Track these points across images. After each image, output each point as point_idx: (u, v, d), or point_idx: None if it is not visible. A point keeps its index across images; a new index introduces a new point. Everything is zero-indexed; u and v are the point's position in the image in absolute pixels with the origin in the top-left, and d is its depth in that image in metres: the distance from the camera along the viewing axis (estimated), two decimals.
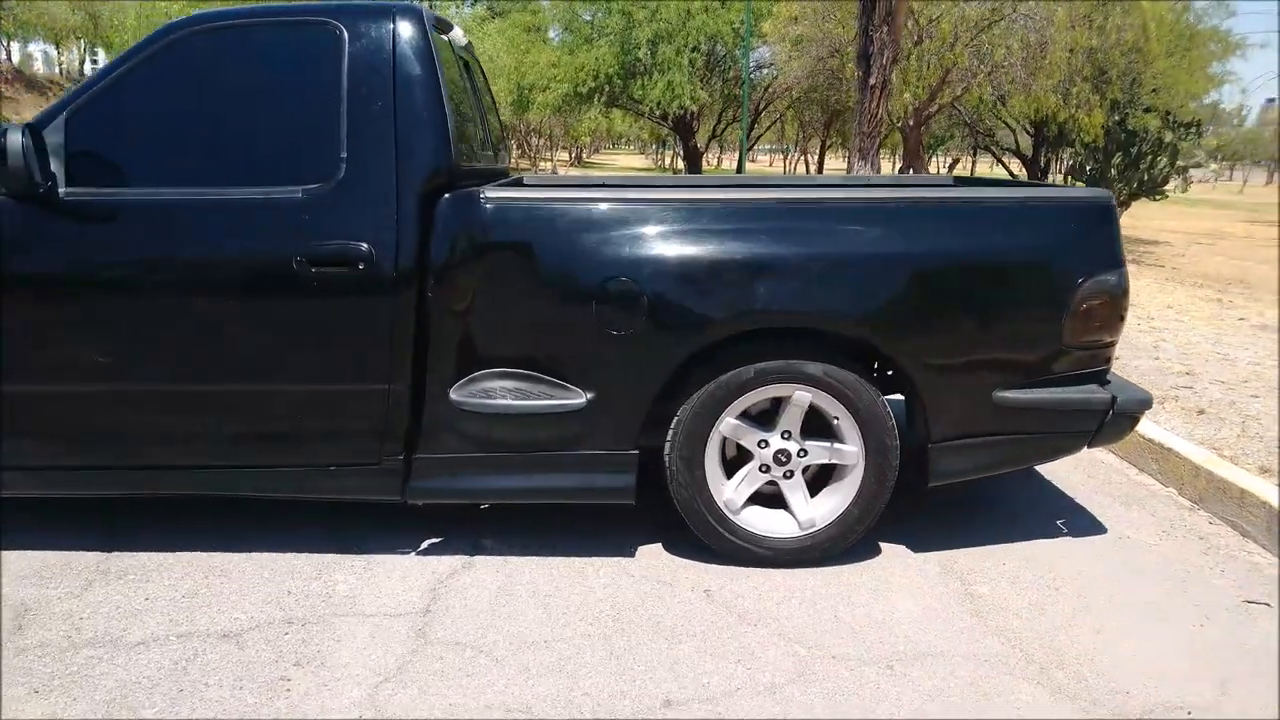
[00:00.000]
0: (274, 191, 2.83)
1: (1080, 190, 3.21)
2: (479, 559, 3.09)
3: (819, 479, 3.12)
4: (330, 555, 3.09)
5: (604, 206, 2.90)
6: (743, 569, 3.04)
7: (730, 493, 3.03)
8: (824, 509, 3.05)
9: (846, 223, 2.92)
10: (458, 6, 36.08)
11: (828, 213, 2.95)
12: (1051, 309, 2.96)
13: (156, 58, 2.87)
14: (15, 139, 2.60)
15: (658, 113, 24.63)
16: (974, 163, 35.78)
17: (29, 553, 3.05)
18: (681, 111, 23.85)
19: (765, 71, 28.41)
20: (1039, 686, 2.42)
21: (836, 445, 3.02)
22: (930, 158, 28.20)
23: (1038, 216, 3.01)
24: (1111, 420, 3.08)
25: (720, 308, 2.85)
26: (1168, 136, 18.28)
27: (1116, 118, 18.18)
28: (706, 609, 2.80)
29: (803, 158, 40.44)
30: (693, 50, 24.05)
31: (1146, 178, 18.34)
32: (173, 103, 2.89)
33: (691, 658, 2.53)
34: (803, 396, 2.95)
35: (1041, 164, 22.65)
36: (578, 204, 2.90)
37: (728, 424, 2.97)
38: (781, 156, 49.19)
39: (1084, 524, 3.47)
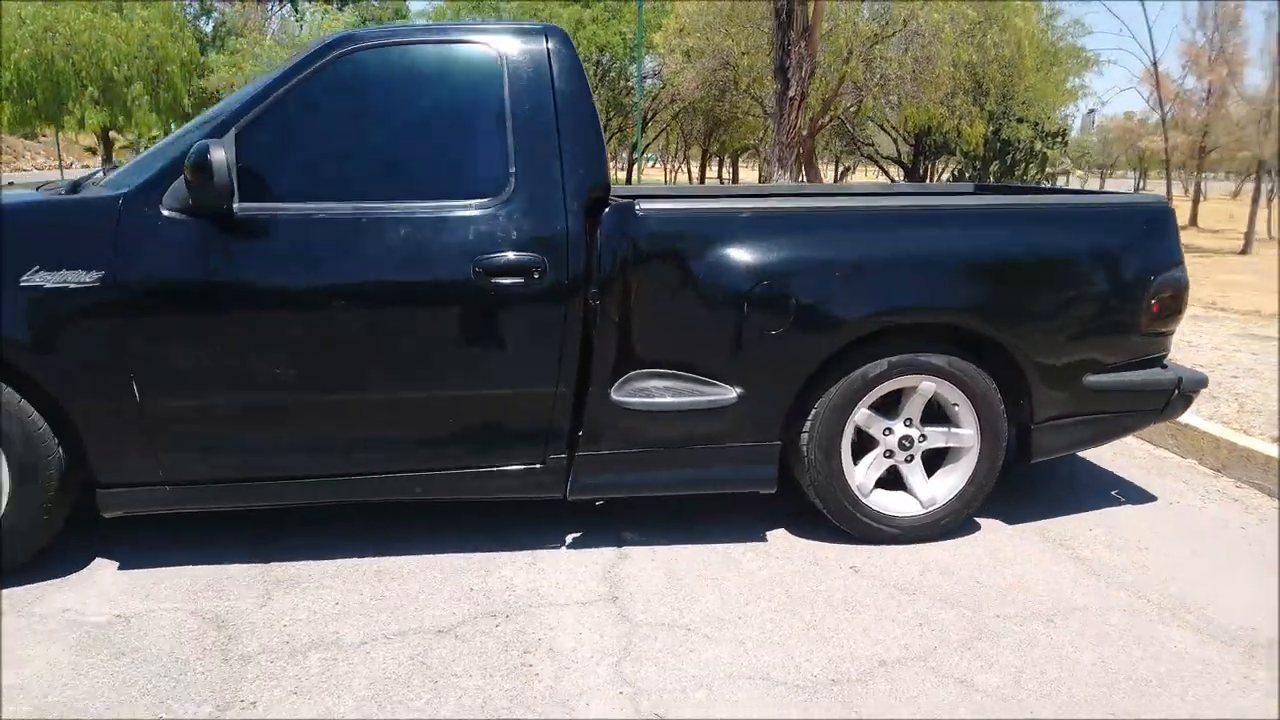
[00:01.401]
0: (447, 206, 2.94)
1: (1143, 196, 3.63)
2: (628, 549, 3.27)
3: (930, 460, 3.42)
4: (485, 554, 3.20)
5: (748, 215, 3.13)
6: (869, 547, 3.31)
7: (860, 477, 3.30)
8: (942, 488, 3.36)
9: (967, 227, 3.24)
10: (323, 12, 35.29)
11: (948, 218, 3.27)
12: (1132, 302, 3.36)
13: (323, 74, 2.93)
14: (220, 154, 2.63)
15: None
16: (847, 171, 37.37)
17: (182, 569, 3.06)
18: None
19: (650, 82, 28.97)
20: (1181, 629, 2.79)
21: (954, 430, 3.34)
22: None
23: (1119, 220, 3.41)
24: (1176, 398, 3.51)
25: (860, 307, 3.12)
26: (1037, 145, 19.75)
27: (992, 128, 19.48)
28: (862, 583, 3.06)
29: (683, 167, 41.28)
30: (584, 60, 24.41)
31: (1020, 183, 19.66)
32: (340, 118, 2.97)
33: (878, 624, 2.79)
34: (928, 386, 3.25)
35: (921, 172, 23.97)
36: (725, 213, 3.13)
37: (862, 414, 3.25)
38: (662, 166, 50.07)
39: (1135, 494, 3.90)
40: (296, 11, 41.29)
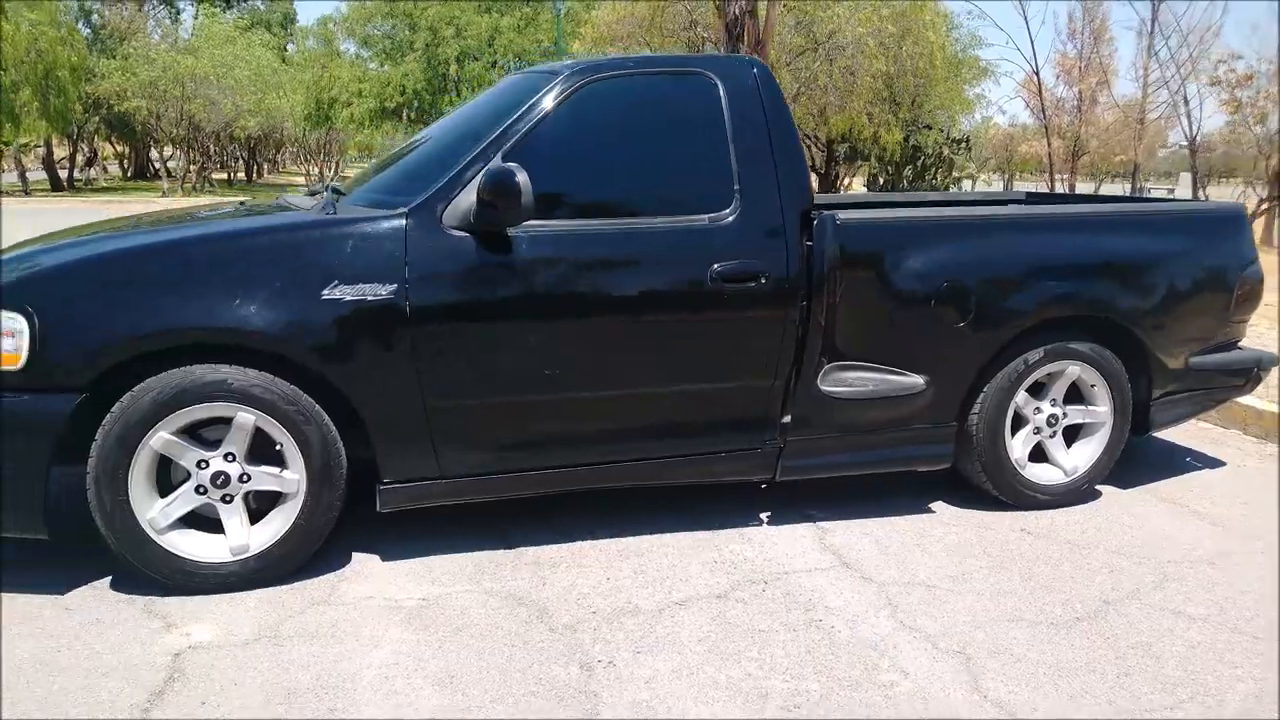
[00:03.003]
0: (686, 220, 3.28)
1: (1221, 203, 4.24)
2: (824, 524, 3.66)
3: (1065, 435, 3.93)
4: (698, 533, 3.54)
5: (933, 222, 3.58)
6: (1024, 513, 3.79)
7: (1019, 452, 3.79)
8: (1081, 458, 3.88)
9: (1105, 231, 3.77)
10: (209, 15, 34.32)
11: (1091, 223, 3.79)
12: (1225, 293, 3.95)
13: (571, 101, 3.23)
14: (524, 178, 2.90)
15: None
16: None
17: (440, 558, 3.29)
18: None
19: None
20: None
21: (1090, 407, 3.86)
22: None
23: (1212, 223, 4.00)
24: (1256, 375, 4.12)
25: (1028, 302, 3.60)
26: (945, 151, 20.95)
27: (903, 135, 20.55)
28: (1039, 542, 3.54)
29: None
30: (502, 68, 24.53)
31: (930, 187, 20.77)
32: (590, 140, 3.28)
33: (1079, 573, 3.27)
34: (1074, 370, 3.76)
35: (832, 178, 24.98)
36: (912, 221, 3.57)
37: (1021, 396, 3.73)
38: None
39: (1206, 460, 4.52)
40: (173, 10, 39.94)
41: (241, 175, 44.45)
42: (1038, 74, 20.68)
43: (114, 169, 43.68)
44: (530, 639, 2.76)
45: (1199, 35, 23.90)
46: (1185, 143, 21.59)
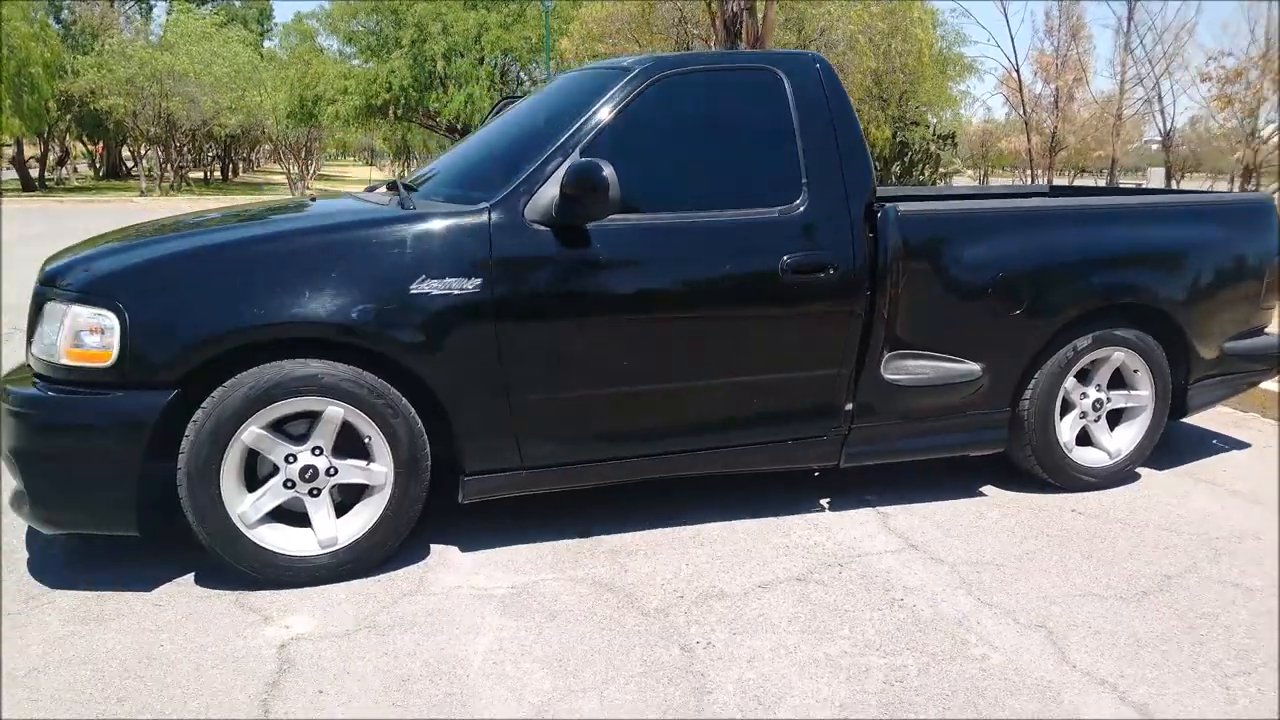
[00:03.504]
0: (757, 212, 3.36)
1: (1251, 194, 4.37)
2: (883, 509, 3.75)
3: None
4: (761, 520, 3.62)
5: (989, 214, 3.68)
6: (1072, 495, 3.91)
7: (1066, 436, 3.90)
8: (1123, 440, 4.00)
9: (1150, 222, 3.90)
10: (183, 10, 33.95)
11: (1137, 215, 3.92)
12: (1256, 281, 4.09)
13: (644, 96, 3.30)
14: (611, 171, 2.96)
15: (458, 126, 24.74)
16: None
17: (518, 548, 3.35)
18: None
19: (540, 85, 29.32)
20: None
21: (1133, 392, 3.98)
22: None
23: (1244, 214, 4.13)
24: None
25: (1079, 290, 3.72)
26: (932, 147, 21.19)
27: (891, 131, 20.77)
28: (1092, 522, 3.65)
29: None
30: (489, 65, 24.50)
31: (918, 182, 20.99)
32: (664, 135, 3.35)
33: (1135, 550, 3.38)
34: (1119, 356, 3.88)
35: None
36: (969, 212, 3.67)
37: (1070, 382, 3.84)
38: None
39: (1231, 442, 4.66)
40: (144, 6, 39.46)
41: (218, 174, 44.02)
42: (1018, 71, 20.90)
43: (84, 168, 43.15)
44: (625, 623, 2.83)
45: (1174, 33, 24.30)
46: (1160, 138, 21.98)
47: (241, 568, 2.96)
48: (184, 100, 27.34)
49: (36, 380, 2.91)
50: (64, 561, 3.21)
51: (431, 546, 3.34)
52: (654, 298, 3.25)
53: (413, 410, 3.05)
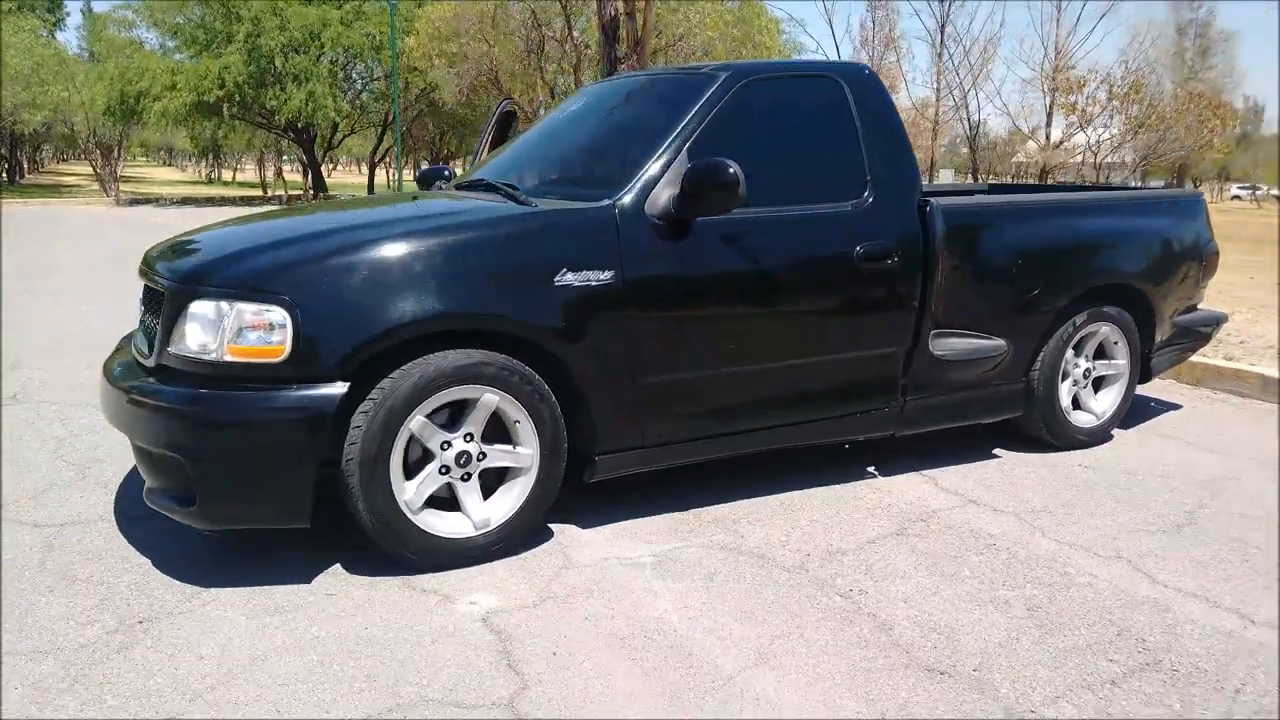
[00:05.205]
0: (832, 206, 3.73)
1: (1188, 189, 5.11)
2: (927, 472, 4.19)
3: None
4: (834, 487, 3.98)
5: (1011, 205, 4.19)
6: (1072, 453, 4.49)
7: (1065, 401, 4.48)
8: (1105, 403, 4.62)
9: (1133, 213, 4.54)
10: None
11: (1124, 207, 4.54)
12: (1197, 263, 4.82)
13: (733, 100, 3.59)
14: (739, 169, 3.23)
15: (298, 124, 23.82)
16: None
17: (630, 522, 3.56)
18: (328, 123, 23.31)
19: (380, 83, 28.66)
20: None
21: (1113, 361, 4.61)
22: None
23: (1189, 206, 4.85)
24: (1214, 330, 5.03)
25: (1081, 273, 4.29)
26: None
27: None
28: (1102, 474, 4.22)
29: (416, 168, 40.75)
30: (331, 61, 23.74)
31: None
32: (753, 135, 3.64)
33: (1152, 494, 3.96)
34: (1105, 330, 4.49)
35: None
36: (998, 204, 4.17)
37: (1069, 353, 4.42)
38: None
39: (1165, 406, 5.42)
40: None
41: (3, 175, 40.38)
42: None
43: None
44: (777, 579, 3.12)
45: (981, 45, 26.59)
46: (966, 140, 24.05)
47: (404, 552, 3.05)
48: None
49: (177, 378, 2.92)
50: (193, 561, 3.18)
51: (550, 526, 3.50)
52: (754, 285, 3.55)
53: (553, 395, 3.22)
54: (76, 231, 17.86)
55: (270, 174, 39.28)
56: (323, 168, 30.65)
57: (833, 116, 3.81)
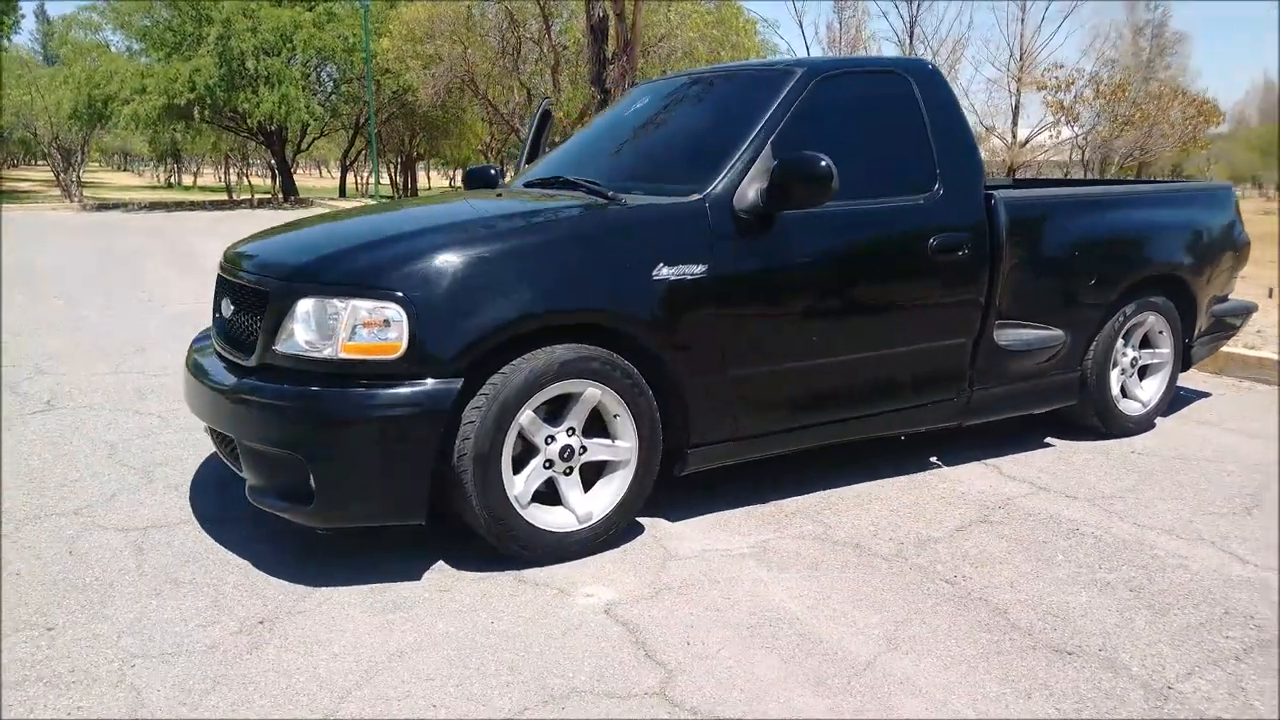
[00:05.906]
0: (905, 199, 3.78)
1: (1218, 181, 5.25)
2: (988, 462, 4.27)
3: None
4: (902, 478, 4.03)
5: (1068, 198, 4.28)
6: (1120, 439, 4.59)
7: (1115, 389, 4.57)
8: (1150, 391, 4.73)
9: (1178, 206, 4.65)
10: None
11: (1169, 199, 4.66)
12: (1233, 252, 4.95)
13: (810, 95, 3.64)
14: (830, 163, 3.27)
15: (270, 128, 23.52)
16: None
17: (715, 515, 3.59)
18: (300, 126, 23.04)
19: (353, 85, 28.38)
20: None
21: (1158, 350, 4.72)
22: None
23: (1222, 198, 4.98)
24: (1245, 320, 5.17)
25: (1133, 263, 4.40)
26: None
27: None
28: (1156, 460, 4.32)
29: (388, 170, 40.34)
30: (304, 64, 23.48)
31: None
32: (829, 130, 3.69)
33: (1210, 478, 4.06)
34: (1151, 320, 4.60)
35: None
36: (1057, 197, 4.27)
37: (1119, 343, 4.52)
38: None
39: (1194, 394, 5.55)
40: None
41: None
42: None
43: None
44: (879, 568, 3.16)
45: (950, 46, 26.93)
46: None
47: (516, 547, 3.05)
48: None
49: (286, 377, 2.90)
50: (294, 561, 3.15)
51: (638, 520, 3.51)
52: (836, 277, 3.59)
53: (649, 389, 3.24)
54: (48, 234, 17.49)
55: (234, 178, 38.71)
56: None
57: (901, 110, 3.87)
